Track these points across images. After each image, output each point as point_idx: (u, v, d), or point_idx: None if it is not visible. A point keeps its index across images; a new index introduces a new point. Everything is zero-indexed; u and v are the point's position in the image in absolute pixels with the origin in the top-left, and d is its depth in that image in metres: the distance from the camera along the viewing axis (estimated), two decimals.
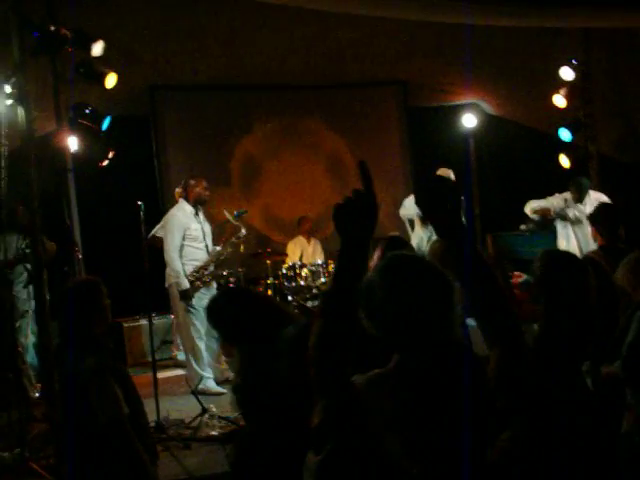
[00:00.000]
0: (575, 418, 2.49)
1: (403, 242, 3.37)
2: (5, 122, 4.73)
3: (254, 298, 3.13)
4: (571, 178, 7.46)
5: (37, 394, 6.27)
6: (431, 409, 1.68)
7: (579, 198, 7.29)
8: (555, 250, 3.58)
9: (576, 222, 7.32)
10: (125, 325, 7.86)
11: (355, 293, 1.62)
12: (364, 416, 1.61)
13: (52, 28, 4.71)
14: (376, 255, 3.29)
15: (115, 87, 6.53)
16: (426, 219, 5.75)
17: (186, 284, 6.36)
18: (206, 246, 6.62)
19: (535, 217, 7.70)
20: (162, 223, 7.06)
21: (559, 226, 7.52)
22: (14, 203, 6.19)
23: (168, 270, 6.45)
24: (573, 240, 7.36)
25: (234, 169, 9.71)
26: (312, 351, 1.63)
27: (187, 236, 6.47)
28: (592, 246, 7.14)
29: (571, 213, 7.34)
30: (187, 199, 6.63)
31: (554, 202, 7.45)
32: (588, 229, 7.17)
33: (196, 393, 5.53)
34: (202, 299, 6.28)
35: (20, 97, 4.15)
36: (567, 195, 7.39)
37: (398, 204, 8.77)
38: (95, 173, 6.82)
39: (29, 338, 6.59)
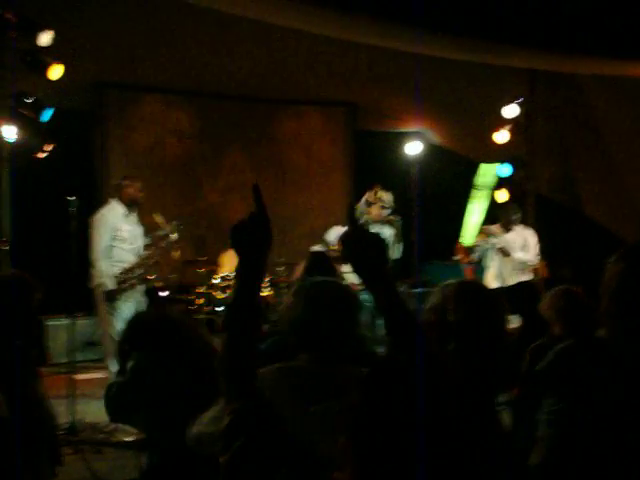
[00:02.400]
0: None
1: (325, 257, 3.40)
2: None
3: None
4: (498, 207, 7.63)
5: None
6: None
7: (508, 227, 7.39)
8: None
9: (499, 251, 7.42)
10: (48, 323, 7.67)
11: (253, 307, 1.72)
12: (269, 417, 1.71)
13: None
14: (300, 267, 3.33)
15: (63, 80, 6.44)
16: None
17: (110, 285, 6.24)
18: (135, 248, 6.49)
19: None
20: None
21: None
22: None
23: (93, 270, 6.32)
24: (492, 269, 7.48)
25: (175, 173, 9.65)
26: (219, 362, 1.75)
27: (116, 237, 6.32)
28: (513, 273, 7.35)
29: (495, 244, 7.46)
30: (120, 199, 6.50)
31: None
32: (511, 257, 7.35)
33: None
34: (126, 301, 6.18)
35: None
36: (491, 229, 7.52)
37: (337, 219, 8.86)
38: (34, 165, 6.68)
39: None
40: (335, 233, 7.04)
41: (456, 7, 6.89)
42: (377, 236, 1.85)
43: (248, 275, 1.72)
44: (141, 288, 6.54)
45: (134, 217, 6.57)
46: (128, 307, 6.31)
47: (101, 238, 6.25)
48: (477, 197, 8.03)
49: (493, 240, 7.33)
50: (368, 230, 1.86)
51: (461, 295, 3.24)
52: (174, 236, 6.60)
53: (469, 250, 7.51)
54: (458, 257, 8.00)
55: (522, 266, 7.26)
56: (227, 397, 1.73)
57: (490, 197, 7.86)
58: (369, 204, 7.10)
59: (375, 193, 7.08)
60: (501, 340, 3.29)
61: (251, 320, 1.73)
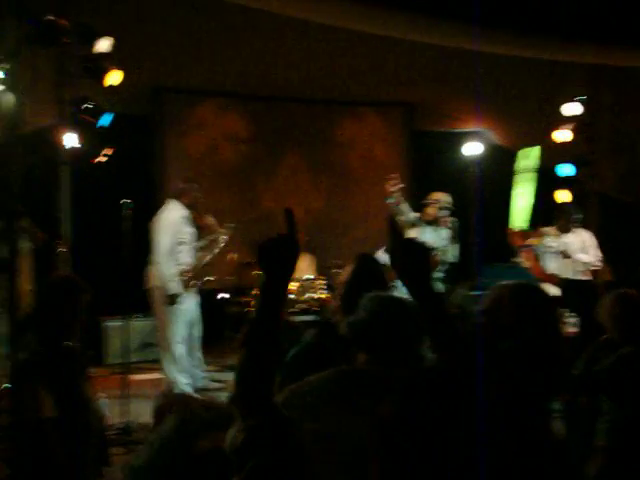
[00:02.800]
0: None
1: (374, 260, 3.33)
2: None
3: None
4: (556, 208, 7.43)
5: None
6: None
7: (567, 228, 7.23)
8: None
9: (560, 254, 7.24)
10: (105, 324, 7.81)
11: (275, 325, 1.73)
12: (287, 435, 1.69)
13: (50, 18, 4.67)
14: (348, 269, 3.27)
15: (121, 85, 6.55)
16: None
17: (174, 288, 6.28)
18: (193, 250, 6.57)
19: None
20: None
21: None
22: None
23: (152, 271, 6.38)
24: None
25: (232, 176, 9.71)
26: (236, 377, 1.73)
27: (178, 240, 6.40)
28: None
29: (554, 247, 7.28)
30: (180, 202, 6.55)
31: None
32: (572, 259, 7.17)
33: None
34: (184, 303, 6.23)
35: (12, 84, 4.13)
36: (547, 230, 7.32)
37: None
38: (93, 169, 6.80)
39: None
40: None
41: (515, 3, 6.76)
42: (421, 245, 1.92)
43: (272, 294, 1.74)
44: (198, 290, 6.59)
45: (191, 220, 6.64)
46: (187, 309, 6.38)
47: (165, 240, 6.31)
48: (521, 181, 7.76)
49: (551, 243, 7.14)
50: (412, 240, 1.94)
51: (515, 297, 3.17)
52: (224, 238, 6.64)
53: (522, 234, 7.34)
54: (514, 244, 7.78)
55: (583, 267, 7.05)
56: (242, 414, 1.70)
57: (536, 180, 7.59)
58: (425, 204, 7.00)
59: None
60: (556, 344, 3.17)
61: (271, 338, 1.73)
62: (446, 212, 6.92)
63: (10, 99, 4.01)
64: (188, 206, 6.56)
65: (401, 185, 6.52)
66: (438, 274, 6.70)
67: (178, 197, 6.60)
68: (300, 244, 1.78)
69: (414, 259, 1.85)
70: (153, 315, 6.73)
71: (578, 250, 7.10)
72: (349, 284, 3.21)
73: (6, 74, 4.18)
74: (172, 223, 6.42)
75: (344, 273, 3.27)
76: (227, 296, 8.27)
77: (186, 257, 6.46)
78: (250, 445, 1.64)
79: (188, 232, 6.52)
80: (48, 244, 6.42)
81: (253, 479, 1.63)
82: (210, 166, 9.55)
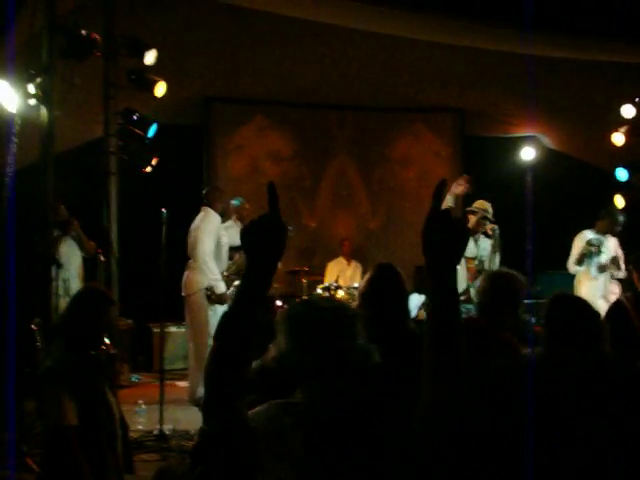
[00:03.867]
0: None
1: (393, 270, 3.25)
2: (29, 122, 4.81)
3: None
4: (604, 208, 7.20)
5: None
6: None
7: (611, 230, 7.03)
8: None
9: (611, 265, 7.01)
10: (155, 330, 7.91)
11: (253, 315, 1.58)
12: (242, 446, 1.58)
13: (82, 32, 4.77)
14: (365, 278, 3.22)
15: (169, 96, 6.66)
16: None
17: (222, 287, 6.39)
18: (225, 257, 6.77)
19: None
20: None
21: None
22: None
23: (191, 277, 6.45)
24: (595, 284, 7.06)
25: (282, 185, 9.74)
26: (205, 374, 1.60)
27: (218, 244, 6.56)
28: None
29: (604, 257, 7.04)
30: (215, 208, 6.68)
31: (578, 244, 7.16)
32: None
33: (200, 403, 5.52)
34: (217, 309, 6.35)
35: (45, 98, 4.23)
36: (587, 235, 7.11)
37: None
38: (140, 179, 6.92)
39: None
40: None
41: (568, 4, 6.59)
42: (461, 222, 1.73)
43: (251, 281, 1.60)
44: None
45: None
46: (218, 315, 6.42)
47: (211, 242, 6.46)
48: None
49: (602, 249, 6.94)
50: (452, 216, 1.69)
51: (554, 305, 3.07)
52: None
53: None
54: None
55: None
56: (204, 415, 1.60)
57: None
58: (468, 212, 6.86)
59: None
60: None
61: (245, 331, 1.59)
62: (486, 221, 6.74)
63: (43, 114, 4.11)
64: (220, 213, 6.73)
65: (467, 189, 6.32)
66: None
67: (209, 202, 6.72)
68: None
69: (450, 235, 1.63)
70: (188, 323, 6.73)
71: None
72: (367, 295, 3.13)
73: (38, 89, 4.28)
74: (215, 227, 6.57)
75: (362, 283, 3.21)
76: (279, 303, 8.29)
77: (223, 262, 6.63)
78: (201, 450, 1.57)
79: (224, 235, 6.69)
80: (99, 253, 6.58)
81: None
82: (259, 175, 9.60)
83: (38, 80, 4.22)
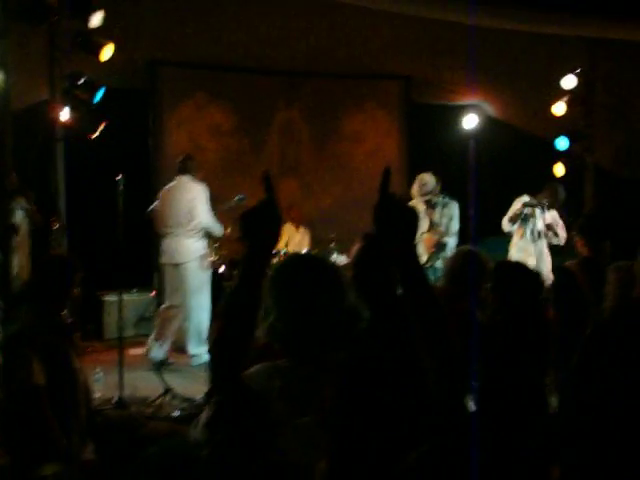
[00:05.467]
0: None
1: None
2: None
3: None
4: (547, 182, 7.40)
5: None
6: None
7: (552, 203, 7.20)
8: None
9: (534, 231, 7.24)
10: (105, 299, 7.85)
11: (253, 297, 1.69)
12: (252, 409, 1.69)
13: None
14: (354, 249, 3.28)
15: (115, 59, 6.51)
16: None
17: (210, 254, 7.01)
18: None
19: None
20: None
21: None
22: None
23: (187, 244, 6.71)
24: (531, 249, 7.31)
25: (229, 148, 9.72)
26: (210, 349, 1.74)
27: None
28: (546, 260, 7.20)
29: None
30: (194, 177, 6.93)
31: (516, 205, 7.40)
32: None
33: (160, 371, 5.60)
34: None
35: (1, 63, 4.12)
36: (526, 198, 7.29)
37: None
38: (87, 144, 6.79)
39: None
40: None
41: None
42: (409, 208, 1.82)
43: (254, 264, 1.70)
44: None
45: None
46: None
47: (207, 209, 6.79)
48: None
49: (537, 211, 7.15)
50: (400, 201, 1.81)
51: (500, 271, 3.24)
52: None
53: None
54: None
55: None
56: (212, 387, 1.70)
57: None
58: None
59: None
60: (542, 322, 3.24)
61: (249, 310, 1.69)
62: (428, 195, 6.95)
63: (0, 78, 4.01)
64: (201, 181, 6.91)
65: None
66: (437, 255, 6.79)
67: (190, 172, 6.88)
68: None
69: (402, 219, 1.75)
70: (183, 291, 6.85)
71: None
72: (358, 264, 3.19)
73: None
74: (207, 195, 6.83)
75: (352, 253, 3.26)
76: (221, 270, 8.32)
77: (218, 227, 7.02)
78: (216, 419, 1.66)
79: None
80: (46, 222, 6.47)
81: (219, 452, 1.66)
82: (207, 139, 9.53)
83: None
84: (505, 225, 7.45)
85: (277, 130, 9.91)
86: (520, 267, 3.32)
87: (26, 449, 3.21)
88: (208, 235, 6.83)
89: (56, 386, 3.26)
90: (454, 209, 7.23)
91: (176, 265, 6.76)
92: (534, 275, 3.21)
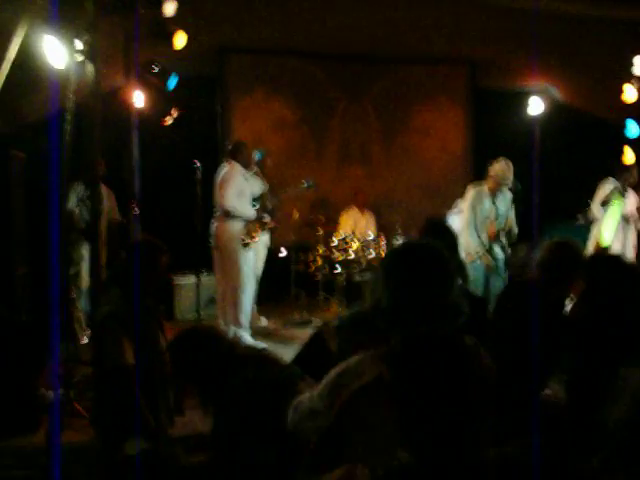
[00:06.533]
0: None
1: (441, 224, 3.37)
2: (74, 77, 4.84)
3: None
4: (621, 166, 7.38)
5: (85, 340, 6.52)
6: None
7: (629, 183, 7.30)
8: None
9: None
10: (176, 282, 8.04)
11: None
12: None
13: None
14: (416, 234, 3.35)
15: (185, 47, 6.65)
16: None
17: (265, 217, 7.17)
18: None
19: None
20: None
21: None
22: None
23: (221, 227, 6.81)
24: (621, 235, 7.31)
25: (295, 135, 9.82)
26: None
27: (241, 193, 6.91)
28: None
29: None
30: (237, 161, 7.03)
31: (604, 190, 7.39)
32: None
33: None
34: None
35: (91, 54, 4.27)
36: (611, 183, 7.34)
37: (452, 183, 8.86)
38: (159, 130, 6.97)
39: (85, 284, 6.85)
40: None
41: None
42: None
43: None
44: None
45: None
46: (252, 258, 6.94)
47: (232, 194, 6.79)
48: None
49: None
50: None
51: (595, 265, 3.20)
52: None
53: None
54: None
55: None
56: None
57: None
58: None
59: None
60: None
61: None
62: (506, 185, 6.92)
63: (90, 70, 4.16)
64: (244, 165, 7.00)
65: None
66: (499, 242, 6.77)
67: (234, 157, 7.00)
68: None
69: None
70: (219, 272, 7.02)
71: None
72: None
73: (85, 45, 4.32)
74: (237, 179, 6.83)
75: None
76: (285, 253, 8.44)
77: (247, 210, 6.90)
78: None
79: (247, 187, 6.95)
80: (125, 208, 6.69)
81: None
82: (274, 126, 9.65)
83: (85, 37, 4.25)
84: (596, 211, 7.48)
85: (339, 118, 9.96)
86: (617, 261, 3.25)
87: (115, 427, 3.35)
88: (244, 218, 6.83)
89: (145, 366, 3.38)
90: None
91: (215, 247, 6.93)
92: (630, 270, 3.13)
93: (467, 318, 1.93)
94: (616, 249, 7.18)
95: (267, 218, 7.15)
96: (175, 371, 3.22)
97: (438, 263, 1.96)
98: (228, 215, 6.73)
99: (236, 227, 6.76)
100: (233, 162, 6.95)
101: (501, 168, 6.86)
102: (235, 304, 6.78)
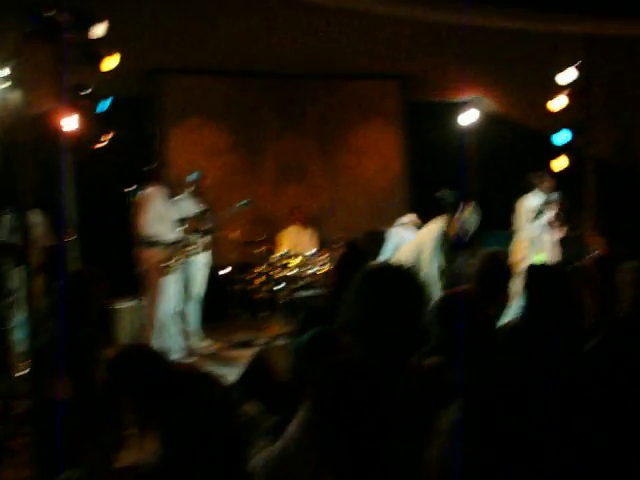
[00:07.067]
0: None
1: (357, 249, 3.41)
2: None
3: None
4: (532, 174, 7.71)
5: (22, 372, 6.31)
6: None
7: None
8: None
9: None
10: (115, 307, 7.87)
11: None
12: None
13: (50, 13, 4.68)
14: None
15: (117, 68, 6.56)
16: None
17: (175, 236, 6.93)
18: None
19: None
20: None
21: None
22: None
23: (140, 253, 6.70)
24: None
25: (236, 157, 9.78)
26: None
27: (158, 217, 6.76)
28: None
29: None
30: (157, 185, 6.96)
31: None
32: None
33: None
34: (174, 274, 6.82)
35: (17, 81, 4.17)
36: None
37: (389, 197, 8.92)
38: (94, 153, 6.85)
39: (20, 313, 6.64)
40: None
41: None
42: None
43: None
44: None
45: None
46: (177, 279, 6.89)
47: (147, 220, 6.68)
48: None
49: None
50: None
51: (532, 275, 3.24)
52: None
53: None
54: None
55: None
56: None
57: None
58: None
59: None
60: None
61: None
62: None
63: (17, 96, 4.06)
64: (166, 187, 6.92)
65: None
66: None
67: (153, 181, 6.91)
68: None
69: None
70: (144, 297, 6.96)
71: None
72: (340, 270, 3.27)
73: (12, 71, 4.22)
74: (153, 204, 6.72)
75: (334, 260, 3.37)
76: (227, 271, 8.38)
77: (168, 234, 6.77)
78: None
79: (168, 210, 6.86)
80: (59, 235, 6.53)
81: None
82: (209, 145, 9.59)
83: (10, 64, 4.15)
84: (528, 227, 7.64)
85: (275, 138, 9.98)
86: (553, 270, 3.29)
87: (52, 459, 3.26)
88: (162, 242, 6.69)
89: (83, 400, 3.30)
90: None
91: (139, 273, 6.84)
92: (566, 278, 3.17)
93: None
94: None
95: (199, 239, 7.04)
96: (114, 390, 3.15)
97: (412, 287, 1.97)
98: (147, 242, 6.62)
99: (156, 253, 6.63)
100: (153, 185, 6.84)
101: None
102: (155, 328, 6.73)
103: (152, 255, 6.60)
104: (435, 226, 6.76)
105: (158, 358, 3.03)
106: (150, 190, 6.78)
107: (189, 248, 6.92)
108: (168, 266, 6.62)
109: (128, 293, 7.59)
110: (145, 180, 6.94)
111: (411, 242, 6.97)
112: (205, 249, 7.27)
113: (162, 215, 6.71)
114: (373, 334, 1.90)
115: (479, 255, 3.51)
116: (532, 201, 7.63)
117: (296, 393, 1.98)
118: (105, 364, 3.35)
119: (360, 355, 1.93)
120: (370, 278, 1.99)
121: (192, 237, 7.03)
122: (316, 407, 1.75)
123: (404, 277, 1.98)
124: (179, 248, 6.76)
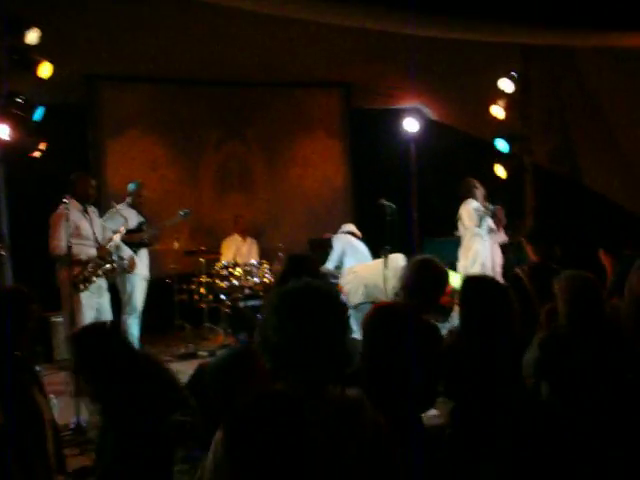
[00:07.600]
0: None
1: (306, 260, 3.36)
2: None
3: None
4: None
5: None
6: None
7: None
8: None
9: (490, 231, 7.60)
10: (53, 320, 7.68)
11: None
12: None
13: None
14: (277, 269, 3.33)
15: (53, 75, 6.39)
16: None
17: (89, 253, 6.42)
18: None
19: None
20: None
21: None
22: None
23: (57, 271, 6.31)
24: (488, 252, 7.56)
25: (177, 166, 9.65)
26: None
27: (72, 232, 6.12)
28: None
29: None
30: (74, 195, 6.39)
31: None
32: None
33: None
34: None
35: None
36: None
37: (331, 208, 8.93)
38: (29, 164, 6.64)
39: None
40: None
41: None
42: None
43: None
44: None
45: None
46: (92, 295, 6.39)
47: (58, 236, 6.18)
48: None
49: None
50: None
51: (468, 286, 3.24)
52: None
53: None
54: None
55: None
56: None
57: None
58: None
59: None
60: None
61: None
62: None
63: None
64: (80, 198, 6.40)
65: None
66: None
67: (71, 191, 6.36)
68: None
69: None
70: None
71: None
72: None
73: None
74: (65, 218, 6.02)
75: (274, 273, 3.33)
76: (168, 281, 8.22)
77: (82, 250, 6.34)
78: None
79: (85, 224, 6.40)
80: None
81: None
82: (148, 153, 9.44)
83: None
84: (474, 230, 7.66)
85: (215, 146, 9.88)
86: (488, 281, 3.30)
87: None
88: (77, 260, 6.21)
89: (18, 426, 3.17)
90: None
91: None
92: (503, 289, 3.18)
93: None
94: (487, 267, 7.40)
95: (126, 255, 6.80)
96: (77, 364, 3.17)
97: (331, 308, 1.90)
98: (59, 259, 6.17)
99: (69, 271, 6.06)
100: (70, 198, 6.18)
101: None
102: None
103: (66, 274, 6.09)
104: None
105: (118, 335, 3.16)
106: (61, 208, 6.19)
107: (106, 267, 6.41)
108: (83, 284, 6.24)
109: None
110: (64, 192, 6.30)
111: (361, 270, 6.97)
112: (135, 266, 6.94)
113: (79, 228, 6.28)
114: (289, 357, 1.86)
115: (409, 262, 3.49)
116: (475, 205, 7.70)
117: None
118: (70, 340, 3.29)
119: (276, 380, 1.90)
120: (288, 300, 1.92)
121: (121, 251, 6.74)
122: (228, 444, 1.77)
123: (323, 299, 1.91)
124: (95, 266, 6.33)
